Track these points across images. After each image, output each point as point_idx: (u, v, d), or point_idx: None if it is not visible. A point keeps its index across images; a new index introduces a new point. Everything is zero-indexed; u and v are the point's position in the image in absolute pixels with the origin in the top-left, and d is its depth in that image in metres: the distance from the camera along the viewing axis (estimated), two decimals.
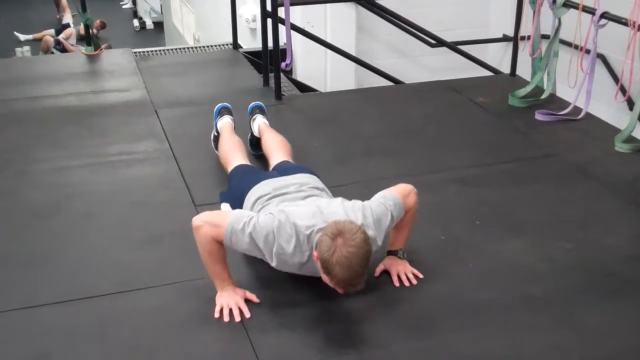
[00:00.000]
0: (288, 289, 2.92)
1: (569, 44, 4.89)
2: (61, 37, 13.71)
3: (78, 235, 3.34)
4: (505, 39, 6.30)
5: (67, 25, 14.18)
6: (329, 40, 5.71)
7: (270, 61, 5.08)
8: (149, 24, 15.69)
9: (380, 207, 2.81)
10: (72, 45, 13.44)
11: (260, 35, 5.08)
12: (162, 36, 13.44)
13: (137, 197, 3.65)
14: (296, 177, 3.17)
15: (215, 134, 3.94)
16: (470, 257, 3.15)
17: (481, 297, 2.89)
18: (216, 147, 3.91)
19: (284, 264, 2.73)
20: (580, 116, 4.61)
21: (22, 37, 14.06)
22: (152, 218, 3.47)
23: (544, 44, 4.88)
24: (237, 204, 3.17)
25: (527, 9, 5.02)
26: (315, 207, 2.79)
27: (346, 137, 4.37)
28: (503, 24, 6.19)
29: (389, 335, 2.67)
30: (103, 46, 6.84)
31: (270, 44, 4.90)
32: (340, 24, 5.96)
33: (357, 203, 2.82)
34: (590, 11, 4.36)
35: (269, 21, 4.80)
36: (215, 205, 3.30)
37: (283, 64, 4.83)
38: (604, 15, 4.28)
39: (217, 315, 2.75)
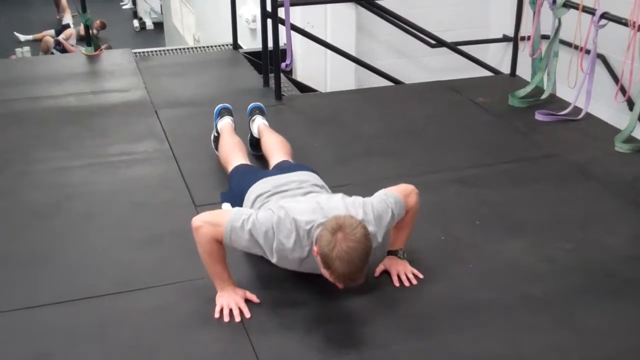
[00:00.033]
0: (288, 289, 2.92)
1: (569, 44, 4.90)
2: (61, 37, 13.71)
3: (78, 236, 3.34)
4: (505, 39, 6.31)
5: (67, 26, 14.18)
6: (329, 40, 5.71)
7: (270, 61, 5.08)
8: (149, 25, 15.69)
9: (381, 204, 2.81)
10: (72, 45, 13.44)
11: (260, 35, 5.08)
12: (162, 36, 13.44)
13: (137, 198, 3.65)
14: (296, 175, 3.17)
15: (216, 134, 3.94)
16: (470, 257, 3.15)
17: (481, 297, 2.89)
18: (216, 148, 3.91)
19: (284, 259, 2.73)
20: (580, 116, 4.61)
21: (22, 37, 14.07)
22: (152, 218, 3.47)
23: (544, 44, 4.88)
24: (237, 203, 3.17)
25: (527, 9, 5.02)
26: (315, 202, 2.79)
27: (346, 137, 4.37)
28: (503, 24, 6.19)
29: (389, 335, 2.67)
30: (103, 47, 6.84)
31: (270, 44, 4.90)
32: (340, 24, 5.96)
33: (357, 199, 2.82)
34: (590, 11, 4.37)
35: (269, 21, 4.80)
36: (215, 206, 3.30)
37: (283, 65, 4.83)
38: (604, 16, 4.28)
39: (217, 315, 2.75)
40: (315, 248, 2.59)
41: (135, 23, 15.75)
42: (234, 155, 3.61)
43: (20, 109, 4.80)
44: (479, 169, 3.97)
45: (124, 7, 16.95)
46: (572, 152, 4.18)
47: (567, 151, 4.19)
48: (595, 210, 3.56)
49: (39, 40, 13.65)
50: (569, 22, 4.59)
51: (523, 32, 5.08)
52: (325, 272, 2.57)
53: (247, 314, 2.74)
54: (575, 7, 4.49)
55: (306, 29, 5.53)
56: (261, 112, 4.03)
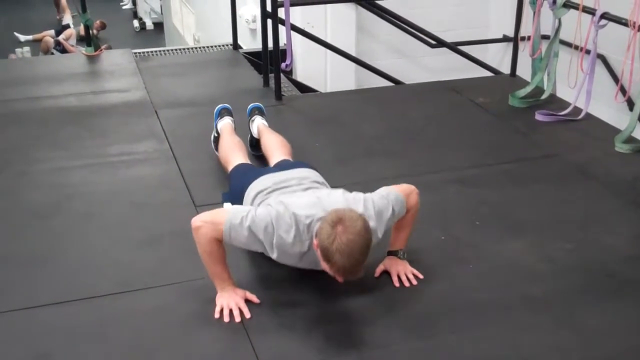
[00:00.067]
0: (288, 289, 2.92)
1: (569, 45, 4.90)
2: (61, 37, 13.71)
3: (78, 236, 3.34)
4: (505, 39, 6.31)
5: (67, 26, 14.19)
6: (329, 40, 5.71)
7: (270, 62, 5.08)
8: (149, 25, 15.70)
9: (382, 200, 2.81)
10: (72, 45, 13.44)
11: (260, 35, 5.08)
12: (162, 37, 13.45)
13: (137, 198, 3.65)
14: (296, 172, 3.17)
15: (216, 134, 3.94)
16: (470, 257, 3.15)
17: (481, 297, 2.89)
18: (216, 148, 3.91)
19: (285, 254, 2.73)
20: (580, 116, 4.61)
21: (22, 37, 14.07)
22: (152, 218, 3.47)
23: (544, 45, 4.88)
24: (237, 201, 3.17)
25: (527, 9, 5.02)
26: (315, 197, 2.79)
27: (346, 137, 4.37)
28: (503, 25, 6.19)
29: (389, 335, 2.67)
30: (103, 47, 6.84)
31: (270, 44, 4.90)
32: (340, 24, 5.97)
33: (358, 194, 2.82)
34: (591, 12, 4.37)
35: (269, 22, 4.80)
36: (215, 206, 3.28)
37: (283, 65, 4.83)
38: (604, 16, 4.28)
39: (217, 315, 2.74)
40: (315, 241, 2.59)
41: (135, 23, 15.75)
42: (234, 155, 3.61)
43: (20, 109, 4.80)
44: (479, 169, 3.98)
45: (124, 7, 16.96)
46: (572, 152, 4.18)
47: (567, 151, 4.20)
48: (595, 210, 3.56)
49: (39, 41, 13.65)
50: (569, 22, 4.59)
51: (523, 32, 5.08)
52: (325, 266, 2.56)
53: (247, 314, 2.74)
54: (576, 7, 4.49)
55: (306, 29, 5.53)
56: (261, 112, 4.04)
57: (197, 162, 4.00)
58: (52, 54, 13.02)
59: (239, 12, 6.32)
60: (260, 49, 5.14)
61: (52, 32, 14.02)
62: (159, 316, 2.78)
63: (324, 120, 4.65)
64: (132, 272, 3.04)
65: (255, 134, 3.91)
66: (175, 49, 6.43)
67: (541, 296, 2.90)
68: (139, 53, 6.13)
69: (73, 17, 14.19)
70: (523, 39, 5.07)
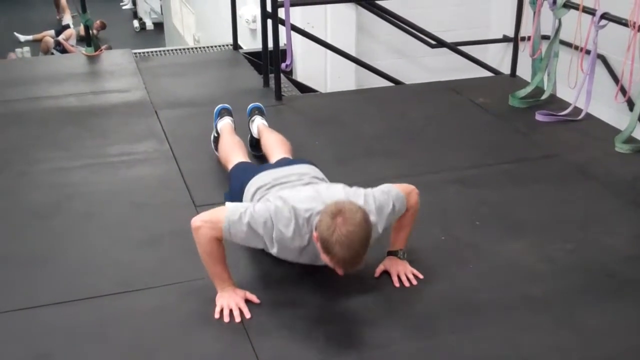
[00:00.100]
0: (288, 289, 2.92)
1: (569, 45, 4.90)
2: (61, 38, 13.72)
3: (78, 236, 3.34)
4: (505, 39, 6.31)
5: (67, 26, 14.20)
6: (329, 40, 5.71)
7: (270, 62, 5.08)
8: (149, 25, 15.70)
9: (383, 196, 2.82)
10: (72, 46, 13.45)
11: (260, 35, 5.08)
12: (162, 37, 13.45)
13: (137, 198, 3.65)
14: (296, 168, 3.18)
15: (215, 135, 3.94)
16: (470, 257, 3.15)
17: (481, 297, 2.89)
18: (216, 149, 3.91)
19: (285, 249, 2.73)
20: (580, 117, 4.61)
21: (22, 37, 14.07)
22: (152, 218, 3.47)
23: (544, 45, 4.88)
24: (238, 198, 3.17)
25: (527, 9, 5.02)
26: (315, 191, 2.80)
27: (346, 137, 4.37)
28: (503, 25, 6.19)
29: (389, 335, 2.67)
30: (103, 47, 6.84)
31: (270, 44, 4.90)
32: (340, 24, 5.97)
33: (359, 189, 2.83)
34: (591, 12, 4.37)
35: (269, 22, 4.80)
36: (215, 206, 3.27)
37: (283, 65, 4.83)
38: (604, 16, 4.28)
39: (217, 315, 2.74)
40: (315, 234, 2.58)
41: (135, 23, 15.75)
42: (233, 153, 3.61)
43: (20, 109, 4.80)
44: (479, 169, 3.98)
45: (124, 7, 16.96)
46: (572, 153, 4.18)
47: (567, 151, 4.20)
48: (595, 210, 3.56)
49: (39, 41, 13.65)
50: (569, 22, 4.59)
51: (523, 33, 5.08)
52: (325, 258, 2.56)
53: (247, 315, 2.74)
54: (576, 7, 4.49)
55: (306, 29, 5.53)
56: (260, 112, 4.04)
57: (197, 162, 4.00)
58: (52, 54, 13.03)
59: (239, 12, 6.32)
60: (260, 49, 5.14)
61: (52, 32, 14.03)
62: (159, 316, 2.78)
63: (324, 121, 4.65)
64: (132, 272, 3.04)
65: (255, 134, 3.91)
66: (175, 49, 6.44)
67: (541, 296, 2.90)
68: (139, 53, 6.13)
69: (73, 17, 14.20)
70: (523, 39, 5.07)
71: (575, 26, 4.48)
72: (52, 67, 5.85)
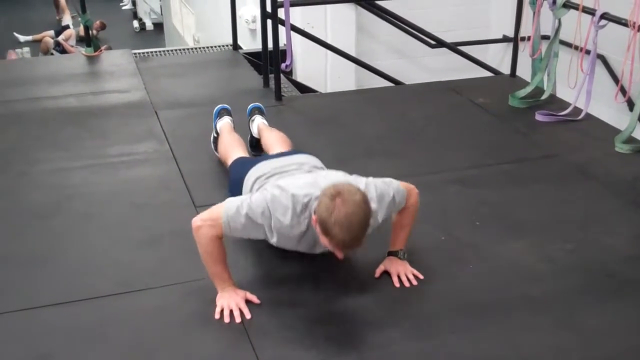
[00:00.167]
0: (288, 289, 2.92)
1: (569, 45, 4.90)
2: (61, 38, 13.72)
3: (78, 236, 3.34)
4: (505, 39, 6.31)
5: (67, 27, 14.20)
6: (329, 41, 5.71)
7: (270, 62, 5.08)
8: (149, 25, 15.70)
9: (384, 185, 2.82)
10: (72, 46, 13.45)
11: (260, 36, 5.08)
12: (162, 37, 13.45)
13: (137, 198, 3.65)
14: (295, 158, 3.19)
15: (215, 135, 3.95)
16: (470, 257, 3.15)
17: (481, 298, 2.89)
18: (216, 149, 3.91)
19: (284, 237, 2.73)
20: (580, 117, 4.61)
21: (22, 38, 14.08)
22: (152, 219, 3.47)
23: (544, 45, 4.88)
24: (237, 191, 3.17)
25: (527, 9, 5.03)
26: (313, 177, 2.80)
27: (346, 138, 4.37)
28: (503, 25, 6.20)
29: (389, 335, 2.67)
30: (103, 47, 6.84)
31: (270, 44, 4.90)
32: (340, 24, 5.97)
33: (360, 177, 2.82)
34: (590, 12, 4.37)
35: (269, 22, 4.80)
36: None
37: (283, 65, 4.83)
38: (604, 16, 4.28)
39: (217, 316, 2.74)
40: (314, 217, 2.58)
41: (135, 24, 15.75)
42: (233, 150, 3.62)
43: (20, 109, 4.81)
44: (479, 169, 3.98)
45: (123, 7, 16.96)
46: (572, 153, 4.18)
47: (567, 151, 4.20)
48: (595, 210, 3.56)
49: (39, 41, 13.65)
50: (569, 22, 4.59)
51: (523, 33, 5.09)
52: (324, 240, 2.55)
53: (248, 315, 2.74)
54: (575, 7, 4.49)
55: (306, 30, 5.53)
56: (261, 112, 4.04)
57: (197, 163, 4.00)
58: (52, 54, 13.02)
59: (238, 12, 6.32)
60: (260, 50, 5.14)
61: (51, 32, 14.03)
62: (159, 316, 2.78)
63: (324, 121, 4.65)
64: (132, 273, 3.04)
65: (255, 134, 3.91)
66: (175, 50, 6.44)
67: (541, 296, 2.90)
68: (139, 53, 6.13)
69: (73, 17, 14.20)
70: (523, 39, 5.08)
71: (575, 26, 4.48)
72: (52, 68, 5.85)
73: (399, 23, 5.97)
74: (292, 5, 4.77)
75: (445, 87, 5.25)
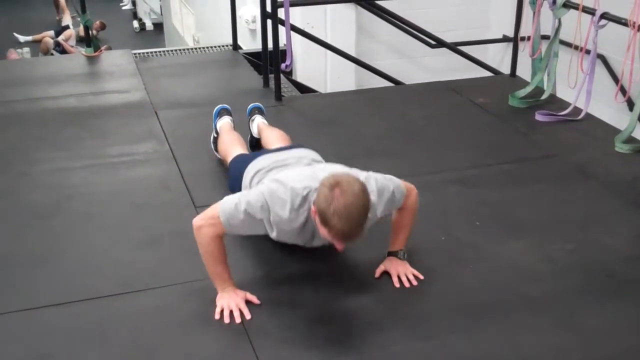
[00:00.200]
0: (288, 289, 2.92)
1: (569, 45, 4.90)
2: (61, 38, 13.72)
3: (78, 236, 3.34)
4: (505, 39, 6.31)
5: (67, 27, 14.20)
6: (328, 41, 5.71)
7: (270, 62, 5.08)
8: (149, 25, 15.71)
9: (384, 180, 2.82)
10: (72, 46, 13.45)
11: (260, 36, 5.08)
12: (162, 37, 13.45)
13: (137, 198, 3.65)
14: (294, 151, 3.19)
15: (215, 135, 3.95)
16: (470, 257, 3.15)
17: (481, 298, 2.89)
18: (216, 149, 3.91)
19: (283, 231, 2.73)
20: (580, 117, 4.61)
21: (22, 38, 14.08)
22: (152, 219, 3.47)
23: (544, 45, 4.88)
24: (237, 187, 3.18)
25: (527, 9, 5.03)
26: (312, 170, 2.80)
27: (346, 137, 4.37)
28: (503, 25, 6.20)
29: (389, 335, 2.67)
30: (103, 47, 6.84)
31: (270, 45, 4.90)
32: (340, 24, 5.97)
33: (361, 171, 2.81)
34: (590, 12, 4.37)
35: (269, 22, 4.80)
36: None
37: (283, 65, 4.83)
38: (604, 16, 4.28)
39: (217, 316, 2.74)
40: (313, 208, 2.57)
41: (135, 24, 15.76)
42: (233, 147, 3.62)
43: (20, 110, 4.81)
44: (479, 169, 3.98)
45: (123, 8, 16.97)
46: (572, 153, 4.18)
47: (567, 151, 4.20)
48: (595, 210, 3.56)
49: (39, 41, 13.66)
50: (569, 22, 4.59)
51: (523, 33, 5.09)
52: (323, 231, 2.54)
53: (248, 316, 2.74)
54: (575, 7, 4.49)
55: (306, 30, 5.53)
56: (260, 112, 4.04)
57: (197, 163, 4.00)
58: (52, 54, 13.03)
59: (238, 12, 6.32)
60: (260, 50, 5.14)
61: (51, 32, 14.04)
62: (159, 317, 2.78)
63: (324, 121, 4.65)
64: (132, 273, 3.04)
65: (255, 134, 3.91)
66: (175, 50, 6.44)
67: (541, 296, 2.90)
68: (139, 54, 6.13)
69: (73, 17, 14.20)
70: (523, 39, 5.07)
71: (575, 26, 4.48)
72: (52, 68, 5.85)
73: (399, 23, 5.97)
74: (292, 5, 4.77)
75: (445, 87, 5.25)
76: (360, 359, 2.56)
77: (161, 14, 14.25)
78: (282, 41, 4.94)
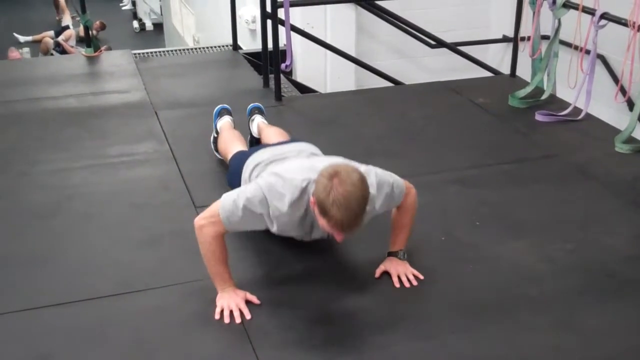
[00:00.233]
0: (288, 289, 2.92)
1: (569, 45, 4.90)
2: (61, 38, 13.72)
3: (78, 236, 3.34)
4: (505, 39, 6.31)
5: (67, 27, 14.20)
6: (328, 41, 5.72)
7: (270, 62, 5.08)
8: (149, 26, 15.71)
9: (384, 175, 2.81)
10: (72, 46, 13.45)
11: (260, 36, 5.08)
12: (162, 37, 13.46)
13: (137, 198, 3.65)
14: (294, 145, 3.20)
15: (215, 135, 3.95)
16: (470, 257, 3.15)
17: (481, 298, 2.89)
18: (216, 149, 3.91)
19: (283, 224, 2.73)
20: (580, 117, 4.61)
21: (22, 38, 14.08)
22: (152, 219, 3.47)
23: (544, 45, 4.88)
24: (237, 182, 3.18)
25: (527, 9, 5.03)
26: (310, 162, 2.80)
27: (346, 138, 4.37)
28: (503, 25, 6.20)
29: (389, 335, 2.67)
30: (103, 48, 6.84)
31: (270, 45, 4.90)
32: (340, 25, 5.97)
33: (361, 165, 2.80)
34: (590, 12, 4.37)
35: (269, 22, 4.80)
36: None
37: (283, 65, 4.83)
38: (604, 16, 4.28)
39: (217, 316, 2.74)
40: (312, 199, 2.56)
41: (135, 24, 15.76)
42: (233, 144, 3.62)
43: (20, 110, 4.81)
44: (479, 169, 3.98)
45: (123, 8, 16.98)
46: (572, 153, 4.18)
47: (567, 151, 4.20)
48: (595, 210, 3.56)
49: (39, 42, 13.66)
50: (569, 22, 4.60)
51: (523, 33, 5.09)
52: (322, 222, 2.53)
53: (248, 316, 2.74)
54: (575, 7, 4.49)
55: (306, 30, 5.54)
56: (260, 112, 4.04)
57: (197, 163, 4.00)
58: (52, 54, 13.03)
59: (238, 12, 6.32)
60: (260, 50, 5.14)
61: (51, 33, 14.04)
62: (159, 317, 2.78)
63: (324, 121, 4.65)
64: (132, 273, 3.04)
65: (255, 133, 3.91)
66: (175, 50, 6.44)
67: (541, 296, 2.90)
68: (139, 54, 6.13)
69: (72, 18, 14.21)
70: (523, 39, 5.08)
71: (575, 26, 4.48)
72: (52, 68, 5.85)
73: (399, 23, 5.97)
74: (292, 5, 4.78)
75: (445, 87, 5.25)
76: (360, 359, 2.56)
77: (161, 14, 14.25)
78: (282, 41, 4.94)
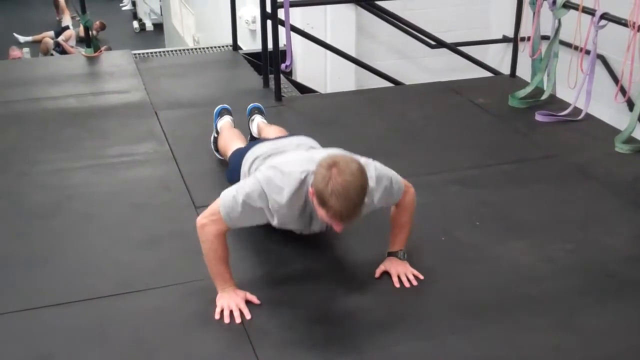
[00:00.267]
0: (288, 289, 2.92)
1: (568, 45, 4.90)
2: (61, 39, 13.72)
3: (78, 236, 3.34)
4: (505, 40, 6.31)
5: (67, 27, 14.21)
6: (328, 41, 5.72)
7: (270, 62, 5.08)
8: (149, 26, 15.72)
9: (383, 169, 2.80)
10: (72, 47, 13.45)
11: (260, 36, 5.08)
12: (162, 38, 13.46)
13: (137, 198, 3.65)
14: (293, 139, 3.22)
15: (216, 135, 3.95)
16: (470, 257, 3.15)
17: (481, 298, 2.89)
18: (216, 149, 3.91)
19: (283, 217, 2.73)
20: (580, 117, 4.61)
21: (22, 38, 14.08)
22: (152, 219, 3.47)
23: (544, 45, 4.88)
24: (236, 177, 3.18)
25: (527, 10, 5.03)
26: (309, 154, 2.80)
27: (346, 138, 4.35)
28: (503, 25, 6.20)
29: (389, 335, 2.67)
30: (103, 48, 6.84)
31: (270, 45, 4.90)
32: (340, 25, 5.97)
33: (360, 157, 2.77)
34: (590, 12, 4.37)
35: (269, 22, 4.80)
36: None
37: (283, 66, 4.83)
38: (604, 16, 4.28)
39: (217, 316, 2.74)
40: (311, 189, 2.56)
41: (135, 24, 15.76)
42: (233, 142, 3.63)
43: (20, 110, 4.81)
44: (479, 169, 3.98)
45: (123, 8, 16.98)
46: (572, 153, 4.18)
47: (567, 151, 4.20)
48: (595, 210, 3.56)
49: (39, 42, 13.66)
50: (569, 22, 4.60)
51: (523, 33, 5.09)
52: (321, 212, 2.52)
53: (248, 316, 2.74)
54: (575, 7, 4.49)
55: (306, 30, 5.54)
56: (260, 112, 4.04)
57: (197, 163, 4.00)
58: (52, 55, 13.03)
59: (238, 13, 6.32)
60: (260, 50, 5.14)
61: (51, 33, 14.04)
62: (159, 317, 2.78)
63: (324, 121, 4.65)
64: (132, 273, 3.04)
65: (255, 133, 3.92)
66: (175, 50, 6.44)
67: (541, 296, 2.90)
68: (139, 54, 6.13)
69: (72, 18, 14.21)
70: (523, 39, 5.08)
71: (575, 26, 4.48)
72: (52, 68, 5.85)
73: (399, 23, 5.97)
74: (292, 5, 4.77)
75: (445, 87, 5.25)
76: (360, 359, 2.56)
77: (161, 15, 14.26)
78: (282, 41, 4.95)
